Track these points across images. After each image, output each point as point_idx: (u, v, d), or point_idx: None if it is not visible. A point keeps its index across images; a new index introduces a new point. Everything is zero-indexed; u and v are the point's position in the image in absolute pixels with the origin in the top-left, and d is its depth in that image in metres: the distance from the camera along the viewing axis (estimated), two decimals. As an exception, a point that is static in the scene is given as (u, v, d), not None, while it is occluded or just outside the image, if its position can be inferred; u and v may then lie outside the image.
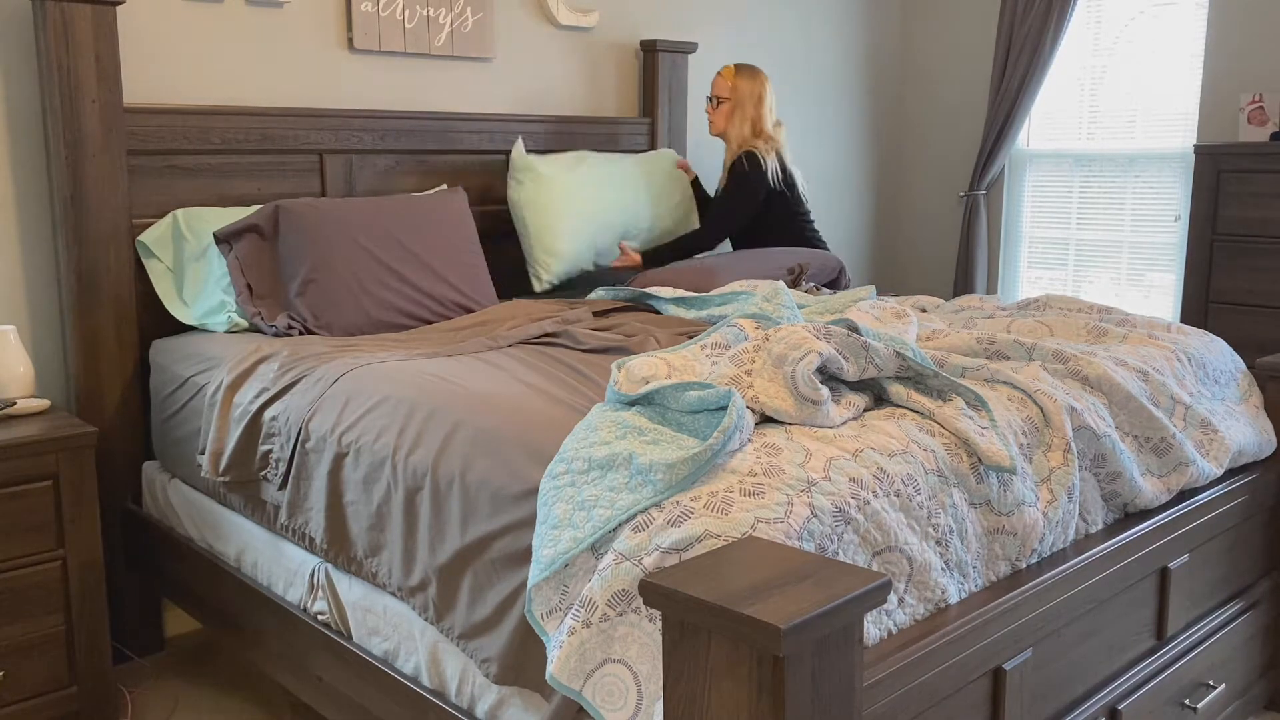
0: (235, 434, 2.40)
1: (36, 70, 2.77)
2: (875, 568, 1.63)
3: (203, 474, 2.48)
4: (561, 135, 3.81)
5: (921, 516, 1.70)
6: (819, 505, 1.56)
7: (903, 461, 1.72)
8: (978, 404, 1.93)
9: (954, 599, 1.76)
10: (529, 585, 1.62)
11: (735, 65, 3.79)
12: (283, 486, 2.29)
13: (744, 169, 3.67)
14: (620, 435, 1.71)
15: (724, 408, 1.70)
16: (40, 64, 2.71)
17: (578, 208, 3.46)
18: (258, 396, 2.40)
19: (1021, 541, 1.87)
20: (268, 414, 2.36)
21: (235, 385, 2.48)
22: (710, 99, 3.79)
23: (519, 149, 3.46)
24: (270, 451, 2.33)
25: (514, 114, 3.71)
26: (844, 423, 1.82)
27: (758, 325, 2.15)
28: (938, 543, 1.73)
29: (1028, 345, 2.25)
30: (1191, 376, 2.43)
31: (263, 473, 2.35)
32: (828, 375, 1.88)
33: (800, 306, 2.76)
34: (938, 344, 2.31)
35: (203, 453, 2.50)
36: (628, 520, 1.56)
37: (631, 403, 1.83)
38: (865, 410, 1.90)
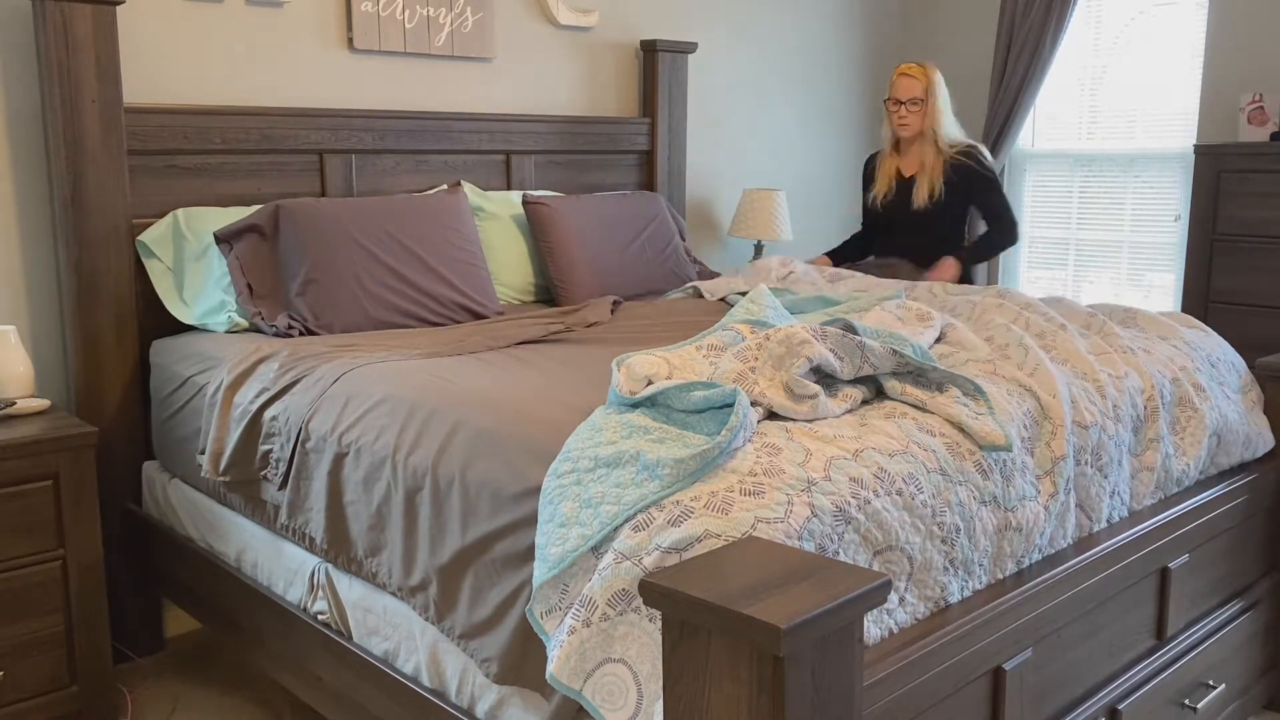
0: (235, 434, 2.40)
1: (36, 70, 2.77)
2: (876, 567, 1.63)
3: (203, 474, 2.48)
4: (562, 135, 3.81)
5: (925, 515, 1.70)
6: (819, 505, 1.56)
7: (903, 461, 1.72)
8: (975, 393, 1.93)
9: (955, 597, 1.76)
10: (535, 584, 1.62)
11: (917, 63, 3.75)
12: (283, 486, 2.29)
13: (985, 164, 3.73)
14: (626, 435, 1.71)
15: (729, 405, 1.70)
16: (40, 64, 2.71)
17: (518, 246, 3.43)
18: (258, 396, 2.40)
19: (1025, 536, 1.88)
20: (268, 414, 2.36)
21: (235, 385, 2.48)
22: (896, 101, 3.74)
23: (469, 187, 3.46)
24: (270, 451, 2.33)
25: (514, 114, 3.71)
26: (843, 413, 1.84)
27: (753, 330, 2.15)
28: (943, 541, 1.73)
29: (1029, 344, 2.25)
30: (1202, 371, 2.45)
31: (263, 473, 2.35)
32: (823, 374, 1.89)
33: (833, 303, 2.76)
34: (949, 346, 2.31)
35: (203, 453, 2.50)
36: (634, 516, 1.56)
37: (634, 404, 1.83)
38: (863, 403, 1.91)
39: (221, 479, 2.43)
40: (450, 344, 2.61)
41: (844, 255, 4.07)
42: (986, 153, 3.80)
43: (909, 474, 1.71)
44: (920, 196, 3.74)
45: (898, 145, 3.87)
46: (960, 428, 1.85)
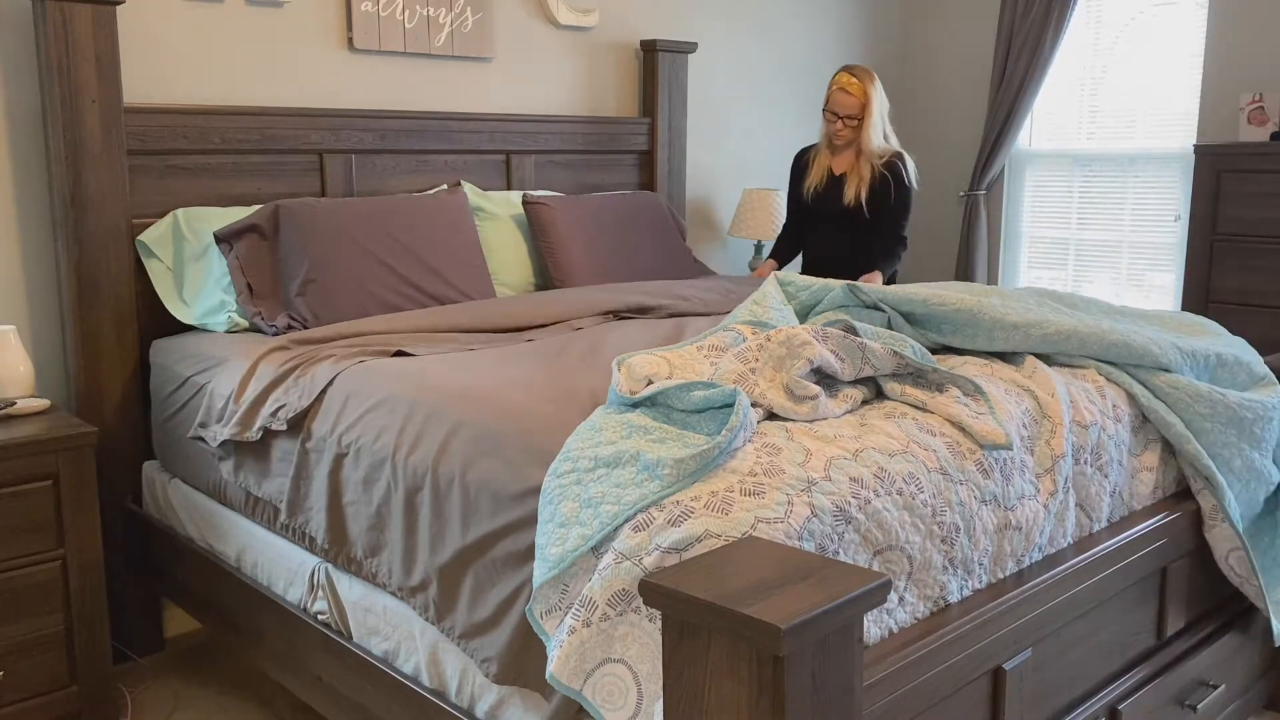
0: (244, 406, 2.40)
1: (36, 70, 2.77)
2: (876, 567, 1.63)
3: (202, 434, 2.50)
4: (561, 135, 3.81)
5: (926, 514, 1.70)
6: (819, 505, 1.56)
7: (903, 460, 1.72)
8: (975, 392, 1.94)
9: (955, 597, 1.76)
10: (535, 583, 1.62)
11: (852, 74, 3.69)
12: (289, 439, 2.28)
13: (908, 175, 3.71)
14: (626, 435, 1.71)
15: (729, 405, 1.70)
16: (40, 64, 2.71)
17: (518, 246, 3.45)
18: (259, 396, 2.39)
19: (1025, 535, 1.88)
20: (265, 410, 2.35)
21: (241, 386, 2.47)
22: (833, 114, 3.71)
23: (469, 187, 3.46)
24: (280, 409, 2.31)
25: (514, 114, 3.71)
26: (844, 414, 1.84)
27: (754, 330, 2.15)
28: (943, 540, 1.73)
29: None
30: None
31: (270, 422, 2.33)
32: (823, 375, 1.89)
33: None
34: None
35: (203, 425, 2.50)
36: (634, 516, 1.56)
37: (635, 404, 1.83)
38: (864, 403, 1.91)
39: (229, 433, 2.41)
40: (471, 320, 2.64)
41: (784, 257, 4.00)
42: (911, 165, 3.76)
43: (909, 473, 1.71)
44: (850, 194, 3.73)
45: (831, 145, 3.83)
46: (960, 427, 1.85)
